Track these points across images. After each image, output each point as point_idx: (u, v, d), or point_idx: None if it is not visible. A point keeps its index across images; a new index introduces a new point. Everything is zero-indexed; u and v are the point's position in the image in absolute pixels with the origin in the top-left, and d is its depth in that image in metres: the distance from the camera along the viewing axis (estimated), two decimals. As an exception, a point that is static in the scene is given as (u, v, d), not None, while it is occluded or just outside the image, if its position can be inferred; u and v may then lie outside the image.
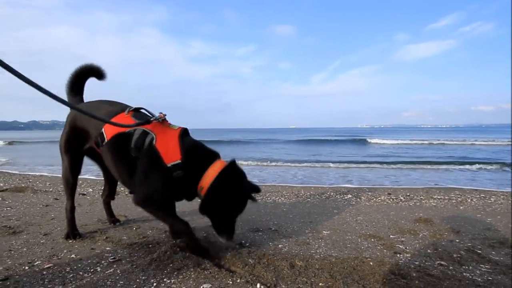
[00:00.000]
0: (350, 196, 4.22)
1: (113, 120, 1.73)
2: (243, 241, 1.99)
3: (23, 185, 4.62)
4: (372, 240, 2.08)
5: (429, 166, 9.62)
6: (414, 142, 21.69)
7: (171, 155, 1.58)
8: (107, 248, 1.80)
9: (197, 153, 1.67)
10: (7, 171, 7.30)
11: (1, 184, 4.77)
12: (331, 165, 10.37)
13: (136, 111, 1.81)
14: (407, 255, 1.79)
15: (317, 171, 8.95)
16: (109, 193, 2.34)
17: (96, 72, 2.11)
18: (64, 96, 2.12)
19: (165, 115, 1.74)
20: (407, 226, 2.48)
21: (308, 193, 4.51)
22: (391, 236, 2.19)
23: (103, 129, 1.74)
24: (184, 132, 1.72)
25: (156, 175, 1.58)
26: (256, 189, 1.73)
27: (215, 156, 1.71)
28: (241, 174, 1.68)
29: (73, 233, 1.97)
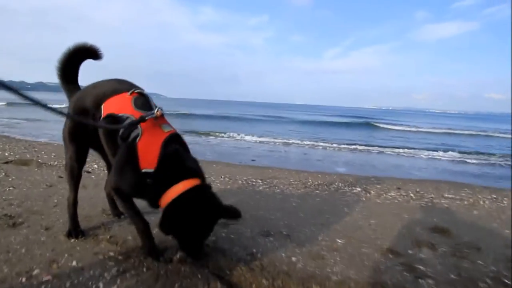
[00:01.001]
0: (359, 189, 4.11)
1: (114, 97, 1.65)
2: (254, 250, 1.88)
3: (28, 156, 4.54)
4: (390, 256, 1.97)
5: (434, 153, 9.62)
6: (421, 129, 21.46)
7: (148, 161, 1.48)
8: (111, 254, 1.69)
9: (171, 166, 1.51)
10: (14, 136, 7.20)
11: (7, 154, 4.68)
12: (336, 148, 10.31)
13: (140, 94, 1.69)
14: (430, 281, 1.68)
15: (323, 153, 8.86)
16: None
17: (93, 53, 1.91)
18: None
19: (163, 111, 1.59)
20: (423, 236, 2.36)
21: (316, 183, 4.41)
22: (409, 251, 2.07)
23: (102, 106, 1.65)
24: (171, 139, 1.57)
25: (130, 174, 1.53)
26: (235, 214, 1.56)
27: (189, 173, 1.53)
28: (207, 199, 1.51)
29: (75, 231, 1.87)
